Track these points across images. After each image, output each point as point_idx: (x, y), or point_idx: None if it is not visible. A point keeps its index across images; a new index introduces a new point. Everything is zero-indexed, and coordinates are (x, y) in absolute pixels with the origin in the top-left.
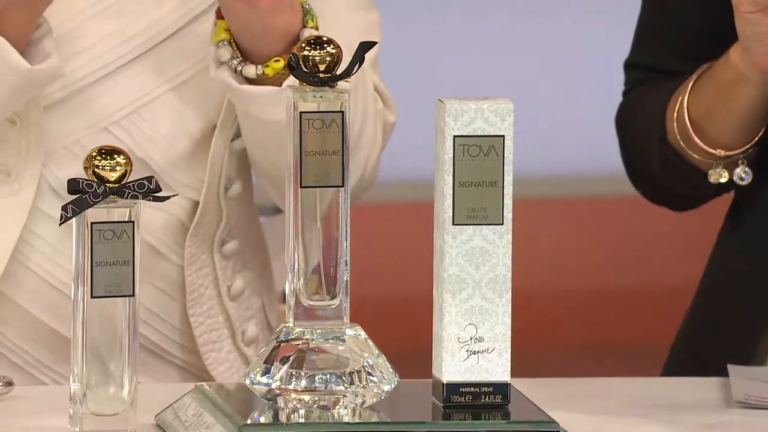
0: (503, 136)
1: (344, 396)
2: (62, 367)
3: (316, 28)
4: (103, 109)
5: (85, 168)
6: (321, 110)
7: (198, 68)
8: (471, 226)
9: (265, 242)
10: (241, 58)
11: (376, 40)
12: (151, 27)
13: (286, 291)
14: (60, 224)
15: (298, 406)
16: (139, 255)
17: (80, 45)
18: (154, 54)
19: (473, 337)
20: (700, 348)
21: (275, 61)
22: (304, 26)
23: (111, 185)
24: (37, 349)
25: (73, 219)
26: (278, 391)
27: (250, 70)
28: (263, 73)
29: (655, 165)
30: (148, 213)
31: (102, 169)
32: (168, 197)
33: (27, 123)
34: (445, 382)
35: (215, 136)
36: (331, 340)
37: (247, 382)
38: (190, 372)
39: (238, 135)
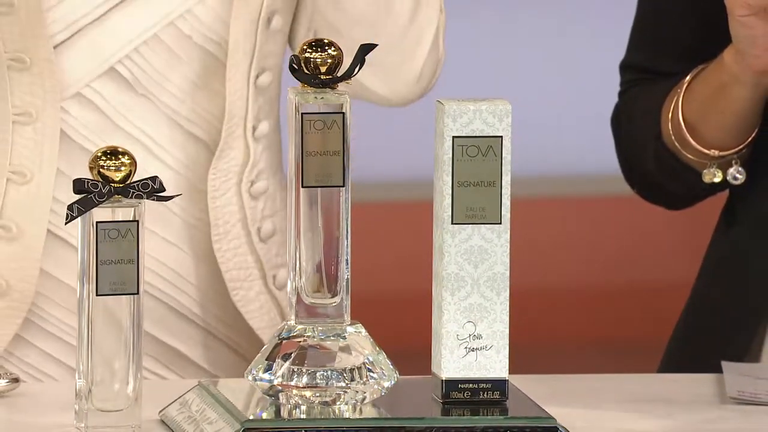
0: (501, 136)
1: (345, 392)
2: None
3: None
4: (106, 49)
5: (90, 168)
6: (322, 111)
7: (194, 1)
8: (470, 226)
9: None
10: None
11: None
12: None
13: (288, 289)
14: (66, 223)
15: (300, 402)
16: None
17: None
18: None
19: (472, 335)
20: (695, 345)
21: None
22: None
23: (116, 185)
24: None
25: (78, 218)
26: (280, 388)
27: None
28: None
29: (650, 165)
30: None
31: (107, 169)
32: (172, 197)
33: (38, 62)
34: (444, 378)
35: (228, 70)
36: (332, 338)
37: (250, 378)
38: (213, 335)
39: (261, 71)
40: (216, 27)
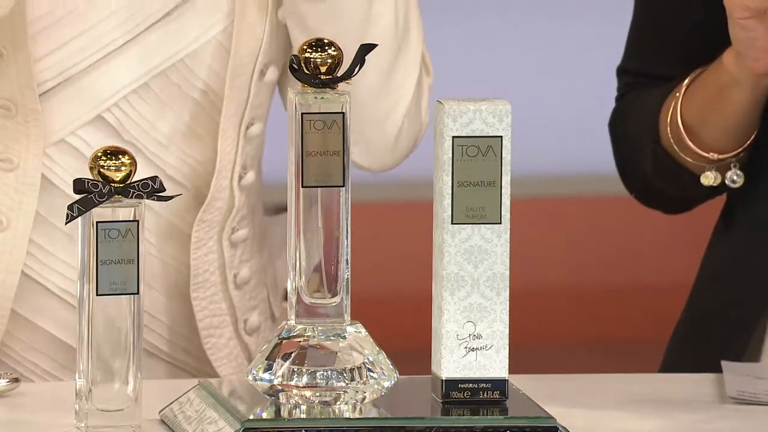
0: (501, 136)
1: (345, 392)
2: (68, 375)
3: None
4: (96, 97)
5: (91, 168)
6: (322, 111)
7: (186, 52)
8: (469, 226)
9: (269, 236)
10: None
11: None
12: (141, 13)
13: (288, 289)
14: (66, 223)
15: (300, 402)
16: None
17: (72, 31)
18: (142, 40)
19: (472, 334)
20: (695, 346)
21: None
22: None
23: (116, 185)
24: (43, 359)
25: (79, 218)
26: (280, 388)
27: None
28: None
29: (648, 168)
30: None
31: (107, 169)
32: (172, 197)
33: (24, 110)
34: (444, 378)
35: (222, 122)
36: (332, 337)
37: (250, 378)
38: (179, 368)
39: (252, 123)
40: (205, 77)
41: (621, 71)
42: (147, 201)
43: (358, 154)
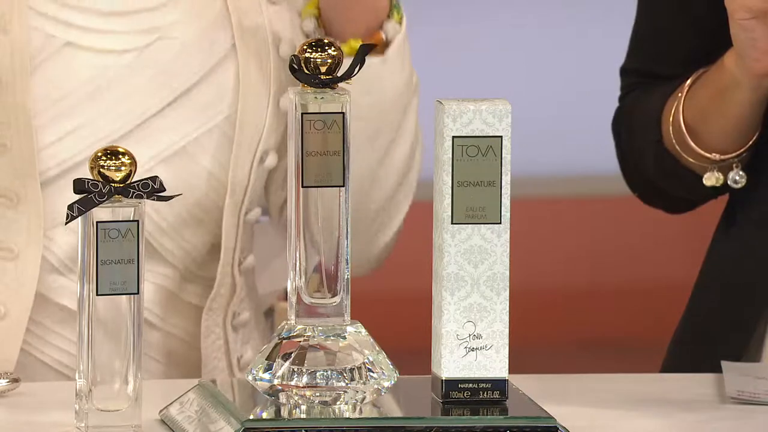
0: (501, 136)
1: (345, 392)
2: None
3: (399, 23)
4: None
5: (91, 168)
6: (322, 111)
7: (189, 139)
8: (469, 225)
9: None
10: (323, 30)
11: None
12: (143, 103)
13: (288, 289)
14: (66, 223)
15: (300, 401)
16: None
17: (74, 122)
18: (145, 128)
19: (471, 334)
20: (696, 346)
21: (354, 40)
22: (389, 17)
23: (116, 185)
24: None
25: (79, 218)
26: (280, 387)
27: (308, 24)
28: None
29: (651, 168)
30: None
31: (107, 169)
32: (172, 197)
33: (25, 201)
34: (444, 378)
35: (226, 209)
36: (332, 337)
37: (250, 378)
38: None
39: (250, 208)
40: (207, 163)
41: (624, 71)
42: (146, 200)
43: None
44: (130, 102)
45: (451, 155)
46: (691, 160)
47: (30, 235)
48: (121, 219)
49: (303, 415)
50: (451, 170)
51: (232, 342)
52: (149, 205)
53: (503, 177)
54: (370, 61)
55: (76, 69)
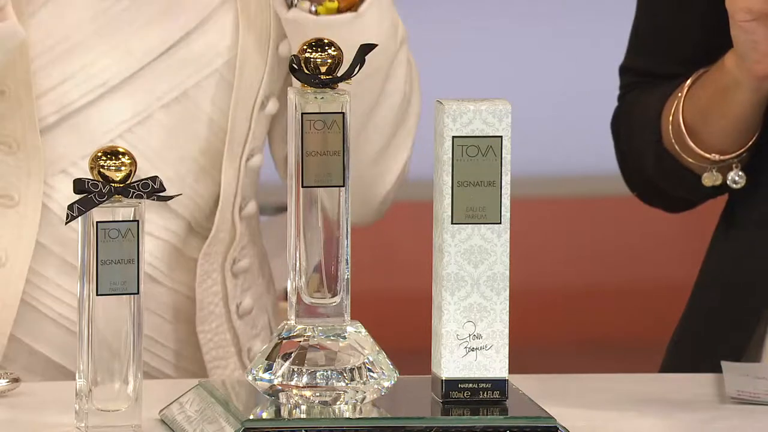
0: (501, 136)
1: (345, 392)
2: None
3: None
4: (98, 130)
5: (91, 168)
6: (322, 111)
7: (189, 84)
8: (470, 226)
9: (268, 261)
10: None
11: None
12: (142, 46)
13: (288, 289)
14: (66, 223)
15: (300, 401)
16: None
17: (73, 66)
18: (145, 73)
19: (471, 334)
20: (696, 346)
21: (330, 1)
22: None
23: (116, 185)
24: None
25: (79, 218)
26: (280, 387)
27: (304, 5)
28: (315, 11)
29: (650, 167)
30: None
31: (107, 169)
32: (172, 197)
33: (25, 147)
34: (443, 378)
35: (225, 154)
36: (332, 337)
37: (250, 378)
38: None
39: (252, 154)
40: (209, 109)
41: (623, 70)
42: (146, 200)
43: None
44: (129, 45)
45: (451, 155)
46: (690, 160)
47: (30, 182)
48: (121, 219)
49: (303, 415)
50: (451, 170)
51: (230, 288)
52: (149, 153)
53: (503, 177)
54: (343, 17)
55: (75, 11)
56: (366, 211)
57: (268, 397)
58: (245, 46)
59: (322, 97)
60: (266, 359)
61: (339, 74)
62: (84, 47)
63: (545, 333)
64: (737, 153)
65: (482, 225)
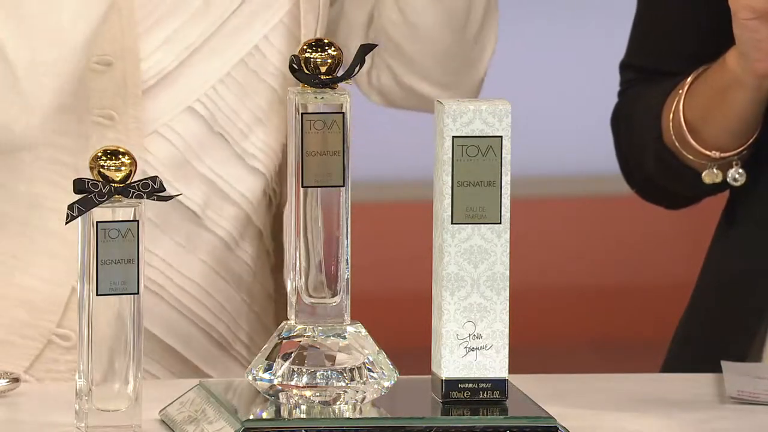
0: (501, 136)
1: (345, 392)
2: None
3: None
4: (187, 89)
5: (91, 168)
6: (322, 111)
7: (259, 38)
8: (470, 226)
9: None
10: None
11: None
12: (221, 4)
13: (288, 289)
14: (66, 223)
15: (300, 401)
16: (212, 248)
17: (167, 30)
18: (222, 30)
19: (471, 334)
20: (697, 346)
21: None
22: None
23: (116, 185)
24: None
25: (79, 218)
26: (280, 387)
27: None
28: None
29: (650, 164)
30: (219, 207)
31: (107, 169)
32: (172, 197)
33: (126, 117)
34: (444, 378)
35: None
36: (332, 337)
37: (250, 378)
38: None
39: None
40: (277, 62)
41: (624, 66)
42: (146, 200)
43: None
44: (209, 4)
45: (451, 155)
46: (690, 157)
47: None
48: (121, 219)
49: (303, 415)
50: (451, 170)
51: None
52: (227, 110)
53: (503, 177)
54: None
55: None
56: (470, 88)
57: (268, 397)
58: None
59: (322, 97)
60: (266, 359)
61: (339, 74)
62: (174, 10)
63: (545, 333)
64: (738, 150)
65: (482, 225)
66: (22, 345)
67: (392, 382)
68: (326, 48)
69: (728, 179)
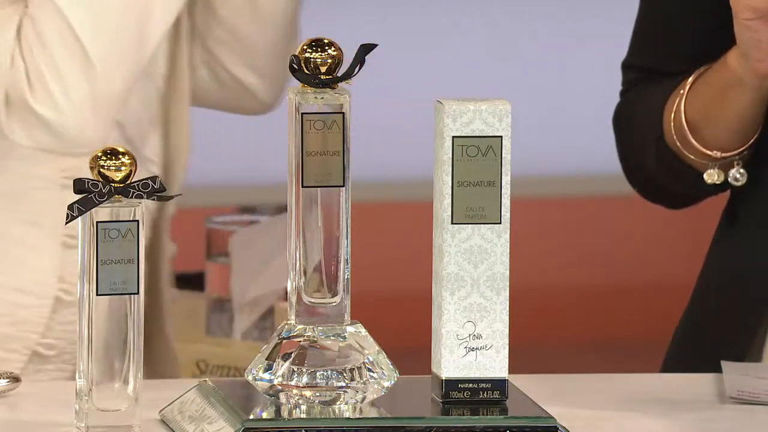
0: (501, 136)
1: (345, 392)
2: None
3: None
4: None
5: (91, 168)
6: (322, 111)
7: None
8: (469, 226)
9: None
10: None
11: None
12: None
13: (288, 289)
14: (66, 223)
15: (300, 401)
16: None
17: None
18: None
19: (471, 334)
20: (697, 346)
21: None
22: None
23: (116, 185)
24: None
25: (79, 218)
26: (280, 387)
27: None
28: None
29: (651, 164)
30: None
31: (107, 169)
32: (172, 197)
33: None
34: (443, 378)
35: None
36: (332, 337)
37: (250, 378)
38: None
39: None
40: None
41: (626, 66)
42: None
43: (264, 91)
44: None
45: (451, 155)
46: (691, 157)
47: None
48: (121, 219)
49: (303, 415)
50: (451, 170)
51: None
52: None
53: (503, 177)
54: None
55: None
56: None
57: (268, 397)
58: None
59: (322, 97)
60: (266, 359)
61: (339, 74)
62: None
63: (545, 333)
64: (739, 150)
65: (482, 225)
66: (5, 358)
67: (392, 382)
68: (326, 48)
69: (729, 179)
